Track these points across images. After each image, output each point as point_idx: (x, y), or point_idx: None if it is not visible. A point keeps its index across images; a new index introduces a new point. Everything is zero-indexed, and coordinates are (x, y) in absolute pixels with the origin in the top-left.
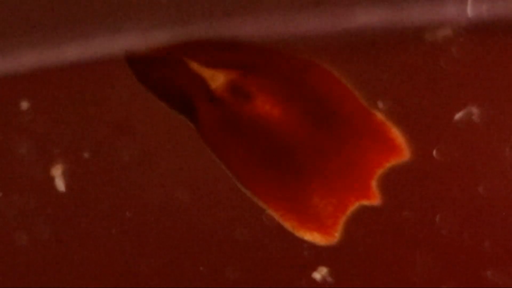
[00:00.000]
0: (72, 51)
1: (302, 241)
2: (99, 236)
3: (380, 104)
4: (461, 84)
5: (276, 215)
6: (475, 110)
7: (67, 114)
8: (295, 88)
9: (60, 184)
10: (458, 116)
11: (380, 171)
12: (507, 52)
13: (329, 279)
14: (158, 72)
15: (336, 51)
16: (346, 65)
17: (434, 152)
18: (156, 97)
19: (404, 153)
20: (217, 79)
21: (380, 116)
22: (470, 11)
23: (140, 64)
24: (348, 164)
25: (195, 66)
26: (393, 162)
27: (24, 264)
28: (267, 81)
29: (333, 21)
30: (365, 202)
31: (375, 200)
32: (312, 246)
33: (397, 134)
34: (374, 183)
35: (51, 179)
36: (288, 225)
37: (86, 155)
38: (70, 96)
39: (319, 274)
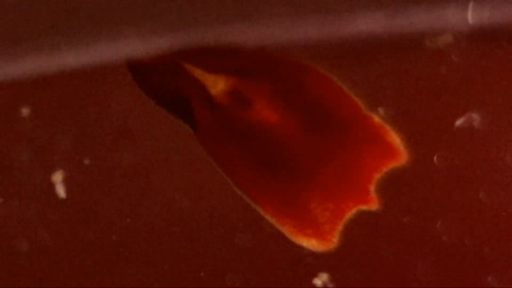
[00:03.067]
0: (73, 58)
1: (303, 247)
2: (100, 243)
3: (381, 111)
4: (461, 91)
5: (273, 221)
6: (475, 116)
7: (68, 120)
8: (294, 94)
9: (60, 191)
10: (458, 122)
11: (378, 176)
12: (508, 58)
13: (330, 285)
14: (159, 78)
15: (337, 58)
16: (347, 71)
17: (435, 158)
18: (154, 102)
19: (401, 157)
20: (218, 85)
21: (377, 119)
22: (471, 17)
23: (141, 71)
24: (345, 169)
25: (197, 72)
26: (390, 165)
27: (25, 270)
28: (266, 87)
29: (334, 28)
30: (363, 207)
31: (373, 205)
32: (312, 252)
33: (394, 138)
34: (372, 188)
35: (52, 186)
36: (285, 230)
37: (86, 161)
38: (71, 103)
39: (319, 280)
